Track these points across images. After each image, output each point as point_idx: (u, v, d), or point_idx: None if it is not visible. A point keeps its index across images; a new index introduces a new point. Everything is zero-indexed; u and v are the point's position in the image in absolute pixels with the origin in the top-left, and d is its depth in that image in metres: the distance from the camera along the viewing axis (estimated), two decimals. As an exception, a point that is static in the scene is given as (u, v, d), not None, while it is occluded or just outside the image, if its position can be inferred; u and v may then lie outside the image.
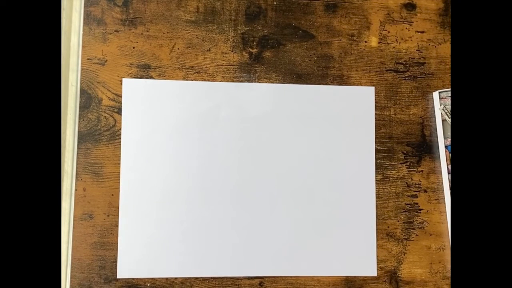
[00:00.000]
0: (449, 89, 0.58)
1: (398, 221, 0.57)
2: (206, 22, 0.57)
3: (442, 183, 0.58)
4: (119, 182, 0.55)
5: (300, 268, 0.56)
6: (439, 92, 0.58)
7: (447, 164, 0.57)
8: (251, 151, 0.56)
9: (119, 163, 0.55)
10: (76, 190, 0.54)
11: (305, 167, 0.57)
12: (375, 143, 0.58)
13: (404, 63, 0.59)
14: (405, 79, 0.59)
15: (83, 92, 0.55)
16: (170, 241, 0.55)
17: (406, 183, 0.58)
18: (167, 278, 0.55)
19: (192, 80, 0.57)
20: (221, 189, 0.56)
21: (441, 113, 0.57)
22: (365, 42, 0.59)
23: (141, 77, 0.56)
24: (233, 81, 0.57)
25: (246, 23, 0.58)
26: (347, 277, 0.56)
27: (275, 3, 0.58)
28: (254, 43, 0.58)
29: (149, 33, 0.57)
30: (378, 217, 0.57)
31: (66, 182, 0.54)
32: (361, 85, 0.58)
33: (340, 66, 0.58)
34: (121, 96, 0.56)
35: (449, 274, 0.57)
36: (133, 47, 0.56)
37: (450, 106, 0.57)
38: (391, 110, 0.58)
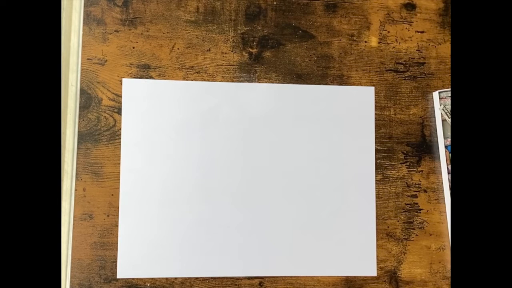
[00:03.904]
0: (449, 89, 0.58)
1: (398, 221, 0.57)
2: (206, 22, 0.57)
3: (442, 183, 0.58)
4: (119, 182, 0.55)
5: (300, 268, 0.56)
6: (439, 92, 0.58)
7: (447, 164, 0.57)
8: (250, 151, 0.56)
9: (119, 163, 0.55)
10: (76, 190, 0.54)
11: (305, 167, 0.57)
12: (375, 143, 0.58)
13: (404, 63, 0.59)
14: (405, 79, 0.59)
15: (83, 92, 0.55)
16: (170, 241, 0.55)
17: (406, 183, 0.58)
18: (167, 278, 0.55)
19: (192, 80, 0.57)
20: (221, 189, 0.56)
21: (441, 113, 0.57)
22: (365, 42, 0.59)
23: (141, 77, 0.56)
24: (233, 81, 0.57)
25: (246, 23, 0.58)
26: (347, 277, 0.56)
27: (275, 3, 0.58)
28: (254, 43, 0.58)
29: (149, 33, 0.57)
30: (378, 217, 0.57)
31: (66, 182, 0.54)
32: (361, 85, 0.58)
33: (340, 66, 0.58)
34: (121, 96, 0.56)
35: (449, 274, 0.57)
36: (133, 47, 0.56)
37: (450, 106, 0.57)
38: (391, 110, 0.58)
